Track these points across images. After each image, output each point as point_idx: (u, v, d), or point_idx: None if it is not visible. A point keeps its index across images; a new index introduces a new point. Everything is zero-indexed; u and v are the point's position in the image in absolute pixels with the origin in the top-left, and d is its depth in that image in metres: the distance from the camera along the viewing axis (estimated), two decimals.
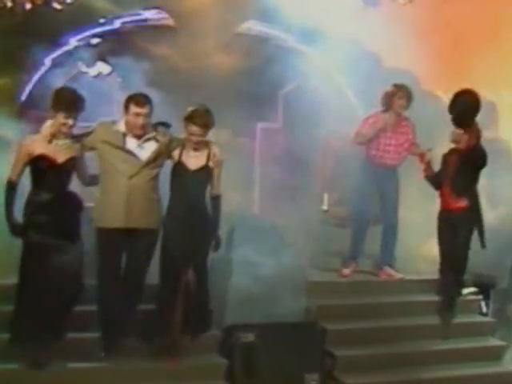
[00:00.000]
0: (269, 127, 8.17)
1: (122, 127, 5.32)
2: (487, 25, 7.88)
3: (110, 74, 7.60)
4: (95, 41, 7.59)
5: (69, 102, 5.07)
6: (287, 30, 7.78)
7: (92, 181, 5.46)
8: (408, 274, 6.79)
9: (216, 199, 5.55)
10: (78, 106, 5.08)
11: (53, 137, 5.11)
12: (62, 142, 5.13)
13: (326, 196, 8.08)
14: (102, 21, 7.49)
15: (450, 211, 6.36)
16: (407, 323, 6.42)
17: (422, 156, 6.53)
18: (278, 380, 5.38)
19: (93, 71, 7.56)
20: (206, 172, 5.50)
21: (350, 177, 7.20)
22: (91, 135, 5.32)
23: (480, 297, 6.76)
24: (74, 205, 5.23)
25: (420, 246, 7.06)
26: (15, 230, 5.03)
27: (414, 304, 6.58)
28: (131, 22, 7.52)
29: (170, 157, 5.48)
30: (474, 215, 6.34)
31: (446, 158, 6.45)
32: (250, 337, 5.59)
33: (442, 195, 6.47)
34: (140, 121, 5.24)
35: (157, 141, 5.38)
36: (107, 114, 6.80)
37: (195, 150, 5.48)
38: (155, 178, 5.41)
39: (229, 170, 6.40)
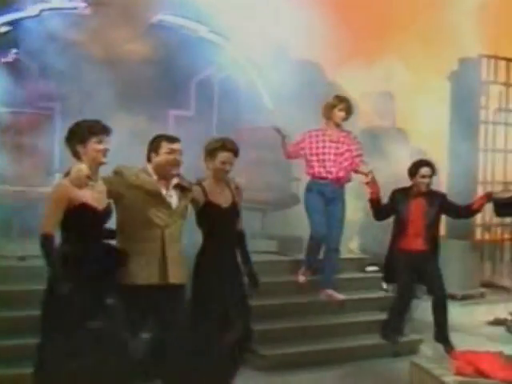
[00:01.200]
0: (181, 114, 8.32)
1: (150, 171, 4.84)
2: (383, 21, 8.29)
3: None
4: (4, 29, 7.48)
5: (93, 123, 4.49)
6: (200, 21, 7.96)
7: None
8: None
9: (243, 234, 5.40)
10: (103, 125, 4.51)
11: (88, 178, 4.43)
12: (98, 185, 4.54)
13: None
14: (14, 7, 7.45)
15: (411, 253, 6.36)
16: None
17: (365, 175, 6.45)
18: None
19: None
20: (235, 208, 5.32)
21: (261, 164, 7.47)
22: (116, 179, 4.72)
23: (381, 275, 7.22)
24: (116, 258, 4.63)
25: None
26: (64, 288, 4.23)
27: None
28: (46, 9, 7.53)
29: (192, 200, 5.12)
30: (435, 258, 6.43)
31: (406, 197, 6.43)
32: None
33: (404, 236, 6.42)
34: (177, 157, 4.82)
35: (182, 187, 4.98)
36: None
37: (218, 184, 5.24)
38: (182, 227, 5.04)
39: (143, 156, 6.60)
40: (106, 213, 4.56)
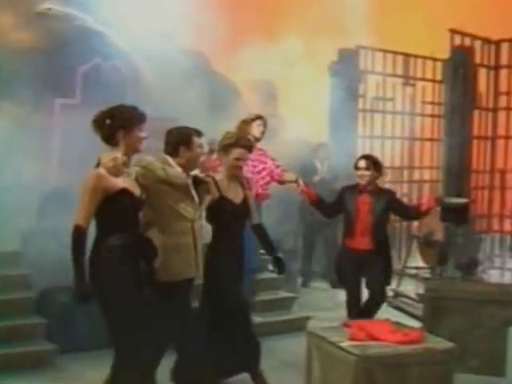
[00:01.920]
0: (67, 103, 8.31)
1: (172, 163, 4.83)
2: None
3: None
4: None
5: (136, 110, 4.42)
6: (86, 10, 7.95)
7: None
8: None
9: (262, 226, 5.47)
10: (143, 112, 4.45)
11: (125, 166, 4.35)
12: (132, 171, 4.46)
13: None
14: None
15: (357, 251, 6.17)
16: None
17: (296, 184, 6.37)
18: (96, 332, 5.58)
19: None
20: (247, 203, 5.37)
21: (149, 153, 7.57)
22: (143, 173, 4.61)
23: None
24: (150, 249, 4.54)
25: None
26: (85, 294, 4.10)
27: None
28: None
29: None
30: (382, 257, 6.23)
31: (352, 195, 6.27)
32: (64, 298, 5.99)
33: (351, 234, 6.24)
34: (204, 151, 4.97)
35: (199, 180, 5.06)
36: None
37: (231, 181, 5.31)
38: None
39: (29, 145, 6.62)
40: (143, 200, 4.48)
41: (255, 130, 6.74)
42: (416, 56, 10.20)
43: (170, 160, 4.84)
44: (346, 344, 4.16)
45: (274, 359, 6.08)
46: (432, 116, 10.48)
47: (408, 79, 10.20)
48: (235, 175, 5.34)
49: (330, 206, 6.43)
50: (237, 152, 5.26)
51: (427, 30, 9.99)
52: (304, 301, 8.09)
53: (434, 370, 4.13)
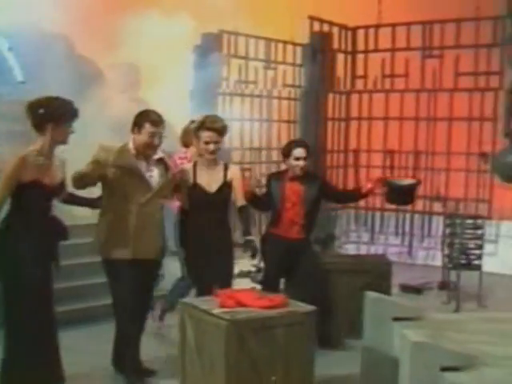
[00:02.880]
0: None
1: (131, 149, 5.00)
2: None
3: None
4: None
5: (71, 106, 4.73)
6: None
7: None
8: None
9: (244, 208, 5.39)
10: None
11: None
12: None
13: None
14: None
15: (287, 241, 5.97)
16: None
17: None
18: None
19: None
20: (226, 189, 5.30)
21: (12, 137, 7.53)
22: (102, 159, 4.84)
23: None
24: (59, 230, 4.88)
25: None
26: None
27: None
28: None
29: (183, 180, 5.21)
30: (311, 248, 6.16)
31: (280, 181, 6.02)
32: None
33: (279, 223, 6.01)
34: (156, 141, 4.96)
35: (165, 163, 5.14)
36: None
37: (209, 167, 5.26)
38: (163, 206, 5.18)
39: None
40: (59, 187, 4.76)
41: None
42: (277, 41, 10.60)
43: (130, 144, 5.01)
44: (216, 311, 4.47)
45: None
46: (291, 99, 10.94)
47: (269, 63, 10.59)
48: (210, 160, 5.29)
49: (261, 199, 6.13)
50: (205, 135, 5.23)
51: (289, 16, 10.41)
52: None
53: (297, 331, 4.51)
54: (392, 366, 4.80)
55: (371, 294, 5.62)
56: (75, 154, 4.93)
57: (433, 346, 4.42)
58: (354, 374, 5.07)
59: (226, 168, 5.36)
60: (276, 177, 6.14)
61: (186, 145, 6.56)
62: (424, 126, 10.59)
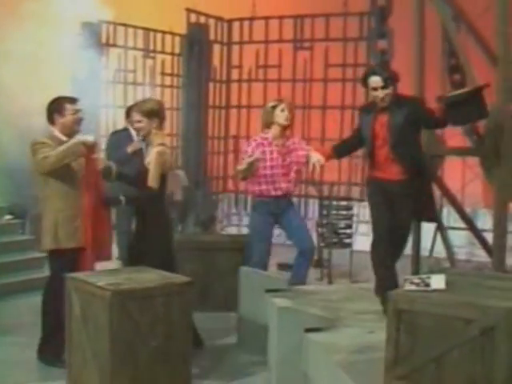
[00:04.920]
0: None
1: (57, 135, 5.39)
2: None
3: None
4: None
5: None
6: None
7: None
8: None
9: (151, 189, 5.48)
10: None
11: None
12: None
13: None
14: None
15: (387, 182, 5.38)
16: None
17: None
18: None
19: None
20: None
21: None
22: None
23: (18, 221, 7.87)
24: None
25: None
26: None
27: None
28: None
29: None
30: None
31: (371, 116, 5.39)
32: None
33: (375, 162, 5.42)
34: (80, 115, 5.45)
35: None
36: None
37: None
38: None
39: None
40: None
41: (279, 117, 6.41)
42: (156, 31, 10.89)
43: (55, 132, 5.38)
44: (102, 283, 4.82)
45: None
46: (171, 87, 11.27)
47: (148, 52, 10.88)
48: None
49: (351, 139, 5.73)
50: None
51: (167, 7, 10.73)
52: None
53: (175, 300, 4.92)
54: (265, 333, 5.32)
55: (245, 269, 6.13)
56: None
57: (297, 310, 4.96)
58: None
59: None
60: (367, 109, 5.55)
61: (267, 125, 6.59)
62: (300, 114, 11.10)
